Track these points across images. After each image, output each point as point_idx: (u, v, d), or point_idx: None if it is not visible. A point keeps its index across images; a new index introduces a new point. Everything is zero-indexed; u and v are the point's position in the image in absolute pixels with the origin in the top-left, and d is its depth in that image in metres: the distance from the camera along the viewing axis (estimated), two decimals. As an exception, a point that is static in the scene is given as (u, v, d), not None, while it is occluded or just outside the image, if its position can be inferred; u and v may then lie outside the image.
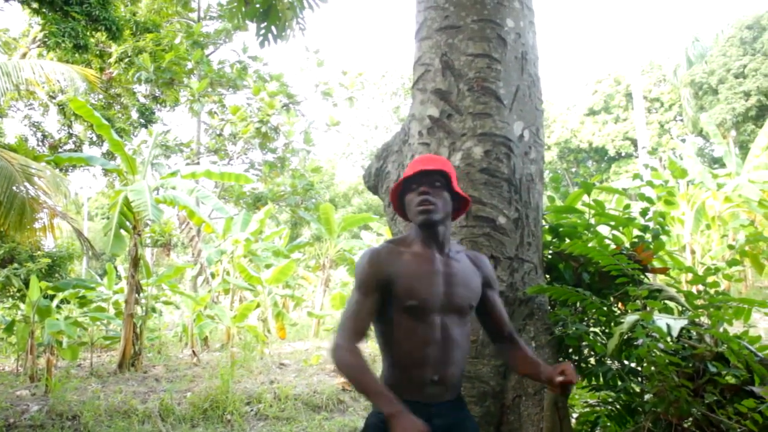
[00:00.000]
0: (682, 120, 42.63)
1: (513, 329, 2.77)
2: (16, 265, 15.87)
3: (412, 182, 2.60)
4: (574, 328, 3.42)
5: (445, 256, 2.61)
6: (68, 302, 14.71)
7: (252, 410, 8.51)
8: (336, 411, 8.70)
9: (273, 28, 6.92)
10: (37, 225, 9.70)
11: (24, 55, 17.64)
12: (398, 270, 2.53)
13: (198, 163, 21.23)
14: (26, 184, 9.01)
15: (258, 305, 15.90)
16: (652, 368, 3.23)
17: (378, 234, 25.04)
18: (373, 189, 4.11)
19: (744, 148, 33.77)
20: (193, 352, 13.18)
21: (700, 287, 3.43)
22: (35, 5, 13.76)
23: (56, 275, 16.71)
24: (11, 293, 16.09)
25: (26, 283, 12.60)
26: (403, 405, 2.24)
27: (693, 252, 16.84)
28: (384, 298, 2.53)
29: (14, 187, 8.64)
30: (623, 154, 44.69)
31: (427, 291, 2.51)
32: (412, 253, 2.58)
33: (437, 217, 2.52)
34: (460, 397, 2.64)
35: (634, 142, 40.59)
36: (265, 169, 21.49)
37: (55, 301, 13.46)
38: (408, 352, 2.52)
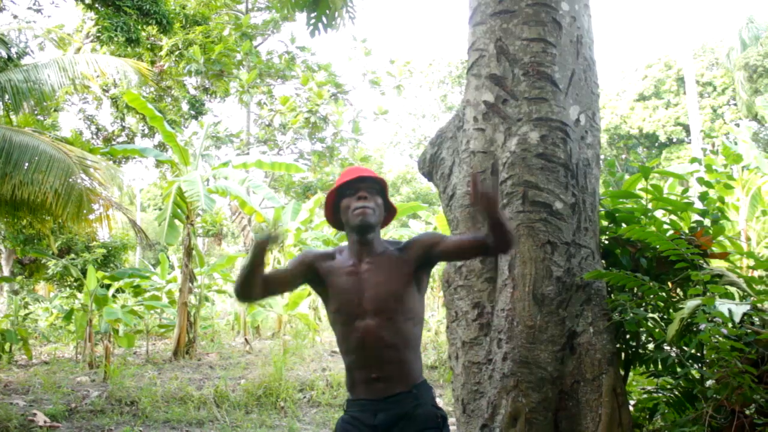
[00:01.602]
0: (735, 104, 41.67)
1: (483, 233, 2.72)
2: (73, 255, 16.26)
3: (348, 188, 2.72)
4: (632, 314, 3.39)
5: (369, 261, 2.70)
6: (123, 291, 15.03)
7: (305, 397, 8.60)
8: (388, 398, 8.72)
9: (323, 17, 6.94)
10: (93, 216, 9.88)
11: (78, 50, 17.97)
12: (330, 272, 2.73)
13: (248, 154, 21.42)
14: (83, 175, 9.19)
15: (309, 293, 16.00)
16: (714, 354, 3.18)
17: (427, 222, 24.99)
18: (428, 175, 4.11)
19: (801, 132, 32.91)
20: (246, 340, 13.35)
21: (762, 272, 3.37)
22: (88, 1, 14.01)
23: (111, 265, 17.09)
24: (69, 283, 16.51)
25: (83, 273, 12.89)
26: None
27: (748, 239, 16.47)
28: (303, 282, 2.82)
29: (71, 179, 8.82)
30: (675, 140, 43.90)
31: (346, 297, 2.67)
32: (340, 261, 2.74)
33: (373, 220, 2.67)
34: (416, 386, 2.67)
35: (686, 128, 39.82)
36: (314, 159, 21.60)
37: (111, 291, 13.75)
38: (346, 354, 2.72)
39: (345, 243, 2.82)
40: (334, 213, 2.81)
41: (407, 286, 2.68)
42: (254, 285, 2.67)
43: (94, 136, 19.91)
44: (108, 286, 13.67)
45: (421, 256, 2.71)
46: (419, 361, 2.74)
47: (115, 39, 13.87)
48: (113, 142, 18.94)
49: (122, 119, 19.74)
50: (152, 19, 14.32)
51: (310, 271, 2.77)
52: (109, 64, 10.93)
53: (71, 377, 9.78)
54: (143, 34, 15.72)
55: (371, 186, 2.71)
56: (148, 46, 18.23)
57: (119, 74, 11.34)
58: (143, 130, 19.61)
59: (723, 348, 3.06)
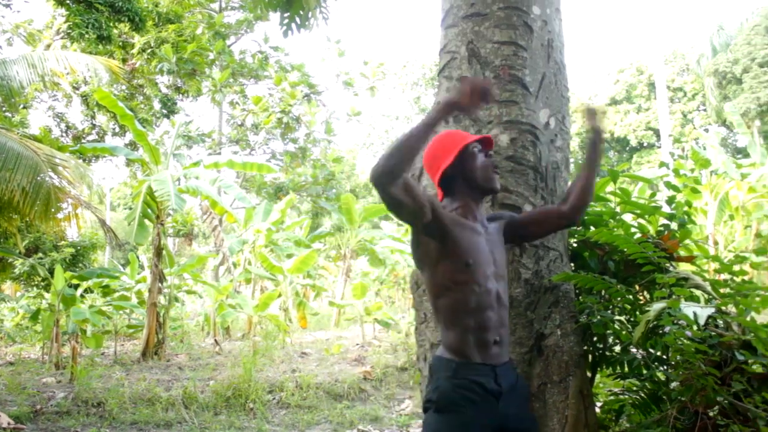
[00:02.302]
0: (705, 110, 42.25)
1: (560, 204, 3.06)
2: (40, 254, 16.05)
3: (477, 146, 2.75)
4: (599, 316, 3.41)
5: (485, 225, 2.76)
6: (92, 291, 14.88)
7: (274, 399, 8.57)
8: (357, 400, 8.75)
9: (296, 17, 6.92)
10: (61, 215, 9.78)
11: (48, 47, 17.75)
12: (454, 225, 2.62)
13: (220, 153, 21.32)
14: (51, 173, 9.09)
15: (279, 295, 15.97)
16: (679, 356, 3.22)
17: (399, 224, 25.03)
18: (398, 177, 4.11)
19: (768, 138, 33.43)
20: (216, 341, 13.28)
21: (726, 276, 3.41)
22: (59, -3, 13.87)
23: (80, 265, 16.87)
24: (36, 282, 16.28)
25: (51, 273, 12.73)
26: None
27: (716, 243, 16.71)
28: (433, 245, 2.61)
29: (39, 177, 8.72)
30: (645, 145, 44.39)
31: (480, 255, 2.64)
32: (459, 216, 2.68)
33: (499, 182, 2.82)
34: (511, 360, 2.78)
35: (657, 132, 40.29)
36: (287, 159, 21.53)
37: (79, 290, 13.61)
38: (468, 315, 2.60)
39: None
40: (454, 164, 2.73)
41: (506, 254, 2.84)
42: (410, 162, 2.34)
43: (64, 134, 19.68)
44: (76, 286, 13.53)
45: (507, 231, 2.87)
46: None
47: (86, 36, 13.74)
48: (83, 141, 18.74)
49: (93, 117, 19.54)
50: (124, 16, 14.22)
51: (434, 214, 2.53)
52: (80, 62, 10.82)
53: (37, 378, 9.66)
54: (115, 31, 15.56)
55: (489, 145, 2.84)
56: (120, 43, 18.05)
57: (90, 72, 11.24)
58: (114, 129, 19.42)
59: (687, 350, 3.10)
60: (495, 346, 2.61)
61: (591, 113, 3.07)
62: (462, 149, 2.72)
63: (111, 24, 14.29)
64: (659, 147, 39.72)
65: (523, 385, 2.76)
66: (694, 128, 41.19)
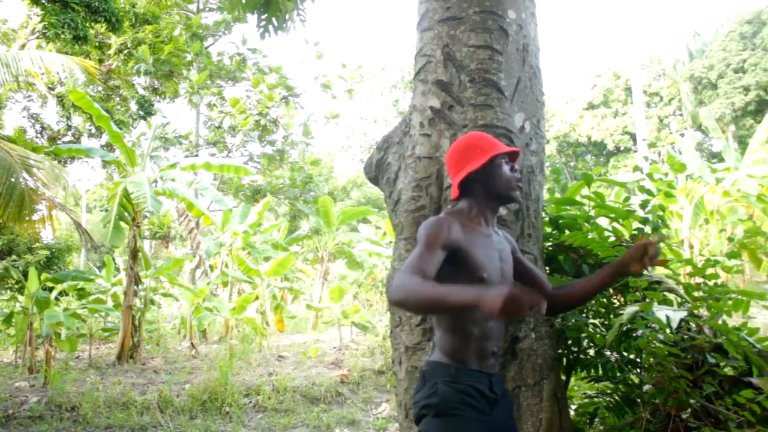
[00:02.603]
0: (681, 114, 42.66)
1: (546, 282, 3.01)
2: (14, 256, 15.88)
3: (504, 157, 2.77)
4: (573, 320, 3.43)
5: (498, 234, 2.80)
6: (67, 294, 14.73)
7: (251, 402, 8.53)
8: (334, 403, 8.72)
9: (273, 19, 6.91)
10: (35, 216, 9.69)
11: (23, 47, 17.60)
12: (465, 241, 2.60)
13: (197, 156, 21.21)
14: (25, 175, 9.01)
15: (257, 297, 15.91)
16: (651, 359, 3.24)
17: (377, 227, 25.05)
18: (374, 180, 4.11)
19: (743, 142, 33.79)
20: (192, 344, 13.20)
21: (699, 279, 3.44)
22: (35, -4, 13.73)
23: (55, 267, 16.72)
24: (10, 285, 16.11)
25: (25, 275, 12.61)
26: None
27: (691, 246, 16.85)
28: (444, 264, 2.53)
29: (13, 179, 8.64)
30: (622, 149, 44.73)
31: (492, 266, 2.65)
32: (475, 228, 2.69)
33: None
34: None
35: (633, 137, 40.65)
36: (264, 162, 21.48)
37: (54, 293, 13.47)
38: (473, 324, 2.61)
39: (458, 206, 2.81)
40: (478, 171, 2.73)
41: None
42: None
43: (39, 135, 19.48)
44: (51, 289, 13.39)
45: (512, 252, 2.88)
46: None
47: (62, 36, 13.61)
48: (59, 142, 18.56)
49: (68, 118, 19.35)
50: (101, 16, 14.09)
51: (449, 246, 2.55)
52: (55, 62, 10.73)
53: (9, 382, 9.55)
54: (91, 31, 15.43)
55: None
56: (96, 44, 17.92)
57: (65, 72, 11.16)
58: (90, 130, 19.26)
59: (660, 353, 3.12)
60: (492, 357, 2.65)
61: (640, 253, 2.81)
62: (490, 159, 2.73)
63: (87, 24, 14.16)
64: (636, 151, 40.08)
65: (510, 396, 2.84)
66: (670, 133, 41.54)
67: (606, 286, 2.91)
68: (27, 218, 9.22)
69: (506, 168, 2.75)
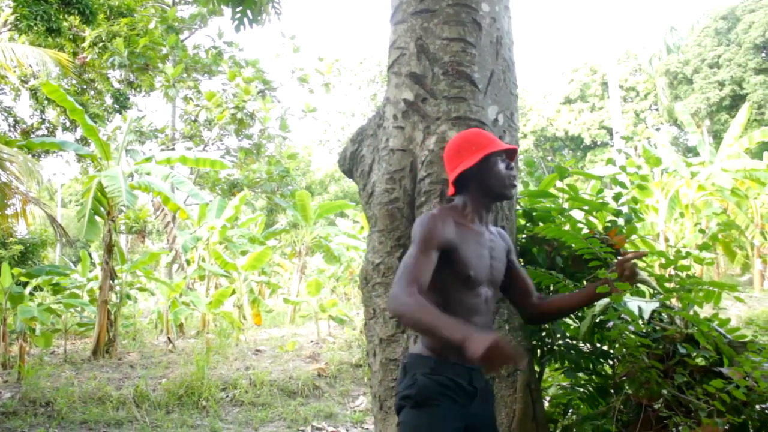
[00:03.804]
0: (657, 109, 42.97)
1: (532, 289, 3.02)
2: (-12, 251, 15.71)
3: (501, 155, 2.79)
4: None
5: (490, 231, 2.82)
6: (41, 289, 14.60)
7: (227, 396, 8.51)
8: (311, 396, 8.72)
9: (248, 11, 6.88)
10: (9, 211, 9.61)
11: (-5, 39, 17.37)
12: (456, 239, 2.64)
13: (173, 149, 21.06)
14: (-2, 169, 8.91)
15: (233, 292, 15.87)
16: (623, 350, 3.27)
17: (354, 221, 25.04)
18: (348, 173, 4.10)
19: (718, 137, 34.08)
20: (168, 338, 13.13)
21: (672, 271, 3.47)
22: (7, -13, 13.58)
23: (29, 262, 16.58)
24: (-17, 280, 15.92)
25: (-2, 270, 12.47)
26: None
27: (666, 240, 17.00)
28: (438, 261, 2.59)
29: (-15, 172, 8.54)
30: (599, 143, 45.02)
31: (480, 263, 2.68)
32: (468, 225, 2.72)
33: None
34: None
35: (610, 131, 40.85)
36: (241, 156, 21.37)
37: (28, 288, 13.34)
38: (461, 318, 2.54)
39: (453, 203, 2.85)
40: (473, 168, 2.75)
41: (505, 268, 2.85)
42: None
43: (12, 129, 19.25)
44: (25, 284, 13.27)
45: (507, 253, 2.90)
46: None
47: (35, 28, 13.45)
48: (32, 136, 18.36)
49: (42, 112, 19.16)
50: (74, 8, 13.96)
51: (443, 246, 2.61)
52: (27, 54, 10.64)
53: (-17, 378, 9.47)
54: (65, 24, 15.28)
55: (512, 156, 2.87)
56: (70, 36, 17.74)
57: (38, 65, 11.03)
58: (64, 124, 19.07)
59: (631, 344, 3.15)
60: None
61: (619, 271, 2.94)
62: (485, 156, 2.75)
63: (61, 16, 14.02)
64: (612, 145, 40.32)
65: (491, 390, 2.82)
66: (647, 127, 41.86)
67: (589, 302, 2.98)
68: (0, 213, 9.12)
69: (501, 165, 2.76)
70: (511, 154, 2.86)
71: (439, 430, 2.56)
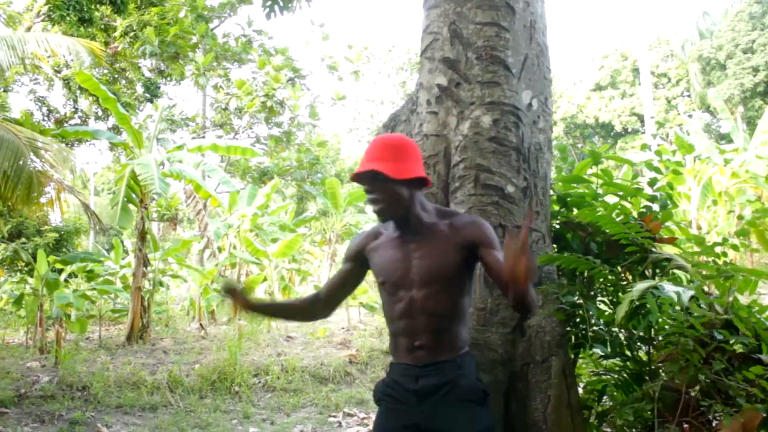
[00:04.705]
0: (689, 96, 42.41)
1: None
2: (23, 239, 15.96)
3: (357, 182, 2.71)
4: (574, 298, 3.43)
5: (417, 233, 2.67)
6: (76, 276, 14.80)
7: (259, 382, 8.58)
8: (343, 383, 8.76)
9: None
10: (44, 199, 9.72)
11: (28, 29, 17.56)
12: (374, 250, 2.77)
13: (203, 137, 21.19)
14: (33, 157, 9.02)
15: (264, 279, 15.96)
16: (664, 335, 3.24)
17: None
18: (381, 159, 4.10)
19: (752, 123, 33.54)
20: (201, 325, 13.26)
21: (708, 258, 3.43)
22: (40, -22, 13.72)
23: (63, 249, 16.81)
24: (19, 267, 16.21)
25: (34, 257, 12.67)
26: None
27: (699, 228, 16.80)
28: (363, 271, 2.92)
29: (21, 161, 8.64)
30: (629, 130, 44.53)
31: (392, 269, 2.68)
32: (387, 235, 2.76)
33: (386, 214, 2.64)
34: (460, 357, 2.67)
35: (641, 118, 40.39)
36: (271, 144, 21.44)
37: (63, 275, 13.54)
38: (390, 322, 2.75)
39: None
40: (416, 181, 2.68)
41: (455, 258, 2.62)
42: (303, 316, 3.19)
43: (45, 118, 19.51)
44: (60, 271, 13.46)
45: (470, 247, 2.63)
46: (465, 331, 2.73)
47: (67, 18, 13.59)
48: (65, 125, 18.57)
49: (75, 101, 19.38)
50: (106, -2, 14.07)
51: (361, 258, 2.85)
52: (61, 44, 10.71)
53: (21, 363, 9.61)
54: (96, 14, 15.41)
55: (370, 178, 2.60)
56: (102, 26, 17.90)
57: (71, 55, 11.12)
58: (96, 113, 19.29)
59: (677, 327, 3.12)
60: (421, 349, 2.62)
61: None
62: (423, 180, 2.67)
63: (92, 6, 14.16)
64: (643, 133, 39.89)
65: (461, 390, 2.61)
66: (678, 114, 41.31)
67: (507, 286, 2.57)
68: (35, 201, 9.25)
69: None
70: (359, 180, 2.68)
71: (379, 429, 2.73)
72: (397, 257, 2.66)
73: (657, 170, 4.11)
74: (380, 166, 2.54)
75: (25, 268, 16.20)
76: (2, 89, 18.29)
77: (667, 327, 3.28)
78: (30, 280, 13.44)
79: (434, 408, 2.59)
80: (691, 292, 3.16)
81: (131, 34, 17.72)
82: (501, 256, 2.54)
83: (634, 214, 3.96)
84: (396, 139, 2.72)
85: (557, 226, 3.92)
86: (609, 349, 3.60)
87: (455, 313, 2.66)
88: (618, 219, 3.59)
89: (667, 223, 3.95)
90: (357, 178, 2.64)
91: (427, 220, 2.68)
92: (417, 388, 2.60)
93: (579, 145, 46.80)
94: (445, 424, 2.59)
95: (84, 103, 19.41)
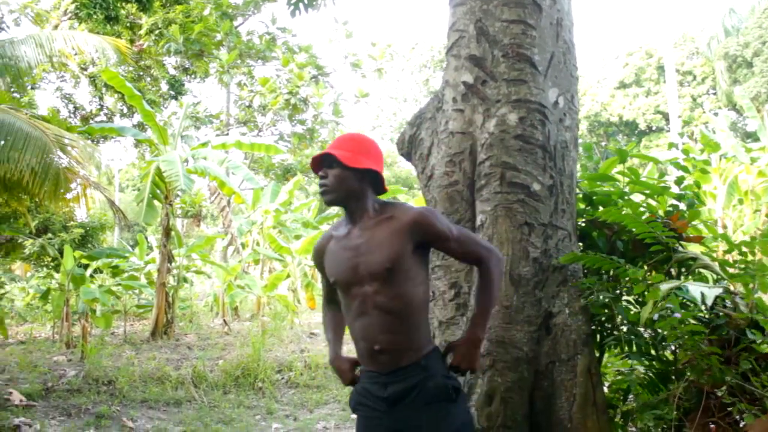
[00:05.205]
0: (715, 93, 41.96)
1: (483, 259, 2.69)
2: (50, 234, 16.11)
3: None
4: (600, 297, 3.41)
5: (362, 227, 2.64)
6: (101, 272, 14.93)
7: (283, 378, 8.62)
8: (365, 379, 8.76)
9: (305, -3, 6.92)
10: (70, 195, 9.79)
11: (55, 27, 17.72)
12: (327, 252, 2.75)
13: (227, 134, 21.30)
14: (60, 153, 9.08)
15: (288, 275, 16.02)
16: (678, 336, 3.22)
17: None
18: (407, 156, 4.11)
19: (779, 122, 33.16)
20: (224, 321, 13.34)
21: (736, 256, 3.41)
22: (66, -23, 13.85)
23: (89, 245, 16.93)
24: (46, 262, 16.36)
25: (60, 253, 12.78)
26: (337, 352, 2.91)
27: (725, 227, 16.63)
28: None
29: (48, 157, 8.72)
30: (654, 128, 44.12)
31: (339, 267, 2.66)
32: (336, 235, 2.73)
33: (329, 197, 2.64)
34: (425, 357, 2.61)
35: (665, 116, 40.04)
36: (294, 141, 21.51)
37: (89, 271, 13.65)
38: (349, 326, 2.72)
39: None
40: (369, 174, 2.70)
41: (402, 248, 2.57)
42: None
43: (72, 115, 19.67)
44: (85, 266, 13.58)
45: (419, 238, 2.61)
46: (426, 326, 2.67)
47: (94, 16, 13.70)
48: (91, 121, 18.73)
49: (101, 98, 19.52)
50: (132, -4, 14.17)
51: (322, 266, 2.83)
52: (87, 42, 10.79)
53: (48, 357, 9.73)
54: (122, 12, 15.53)
55: (329, 161, 2.63)
56: (128, 24, 18.01)
57: (98, 52, 11.21)
58: (122, 110, 19.42)
59: (682, 331, 3.11)
60: (382, 354, 2.57)
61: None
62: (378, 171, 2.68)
63: (119, 4, 14.26)
64: (668, 131, 39.53)
65: (430, 392, 2.57)
66: (704, 112, 40.90)
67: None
68: (62, 197, 9.32)
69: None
70: (316, 165, 2.71)
71: None
72: (346, 255, 2.63)
73: (684, 169, 4.08)
74: (335, 152, 2.60)
75: (52, 264, 16.35)
76: (30, 87, 18.48)
77: (677, 330, 3.24)
78: (56, 275, 13.58)
79: (405, 413, 2.57)
80: (716, 292, 3.14)
81: (156, 31, 17.82)
82: (454, 245, 2.67)
83: (661, 212, 3.94)
84: (358, 135, 2.78)
85: (583, 225, 3.91)
86: (635, 349, 3.58)
87: (410, 306, 2.59)
88: (644, 218, 3.57)
89: (694, 222, 3.93)
90: (313, 163, 2.69)
91: (375, 215, 2.65)
92: (386, 396, 2.58)
93: (603, 144, 46.50)
94: (417, 428, 2.57)
95: (109, 100, 19.55)
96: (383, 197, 2.76)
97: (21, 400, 6.81)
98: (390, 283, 2.56)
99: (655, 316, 3.28)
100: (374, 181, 2.67)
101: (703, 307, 3.28)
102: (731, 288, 3.46)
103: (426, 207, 2.85)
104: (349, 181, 2.60)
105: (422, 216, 2.61)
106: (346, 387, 2.90)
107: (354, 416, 2.84)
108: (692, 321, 3.23)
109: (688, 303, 3.36)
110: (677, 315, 3.17)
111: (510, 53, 3.56)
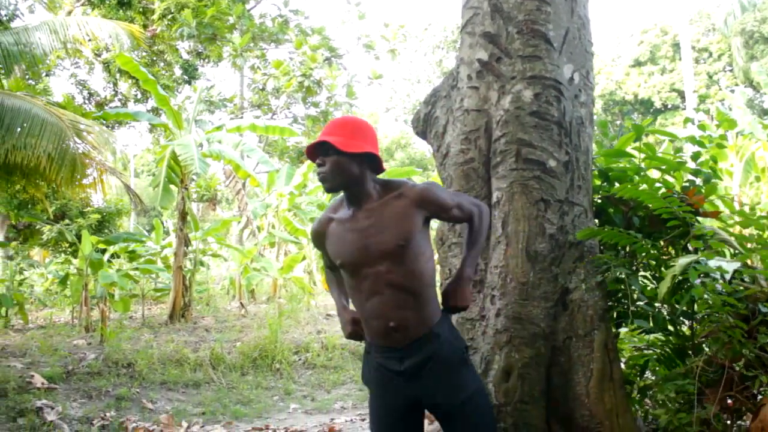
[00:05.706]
0: (731, 70, 41.54)
1: (473, 214, 2.84)
2: (67, 220, 16.25)
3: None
4: (617, 273, 3.40)
5: (369, 208, 2.65)
6: (118, 257, 15.04)
7: (300, 359, 8.68)
8: (382, 360, 8.80)
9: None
10: (86, 181, 9.84)
11: (69, 13, 17.77)
12: (328, 235, 2.75)
13: (242, 118, 21.31)
14: (76, 139, 9.13)
15: (303, 258, 16.08)
16: (706, 309, 3.22)
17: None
18: (422, 134, 4.11)
19: (796, 98, 32.85)
20: (241, 303, 13.43)
21: (753, 231, 3.40)
22: (79, -38, 13.87)
23: (106, 230, 17.08)
24: (64, 248, 16.52)
25: (78, 238, 12.89)
26: (344, 304, 2.91)
27: (741, 204, 16.51)
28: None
29: (65, 144, 8.76)
30: (669, 106, 43.78)
31: (347, 249, 2.65)
32: (337, 217, 2.72)
33: (329, 185, 2.62)
34: (435, 325, 2.66)
35: (681, 94, 39.70)
36: (308, 123, 21.49)
37: (106, 255, 13.75)
38: (359, 306, 2.71)
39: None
40: (368, 158, 2.69)
41: (411, 225, 2.62)
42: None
43: (87, 101, 19.77)
44: (103, 251, 13.68)
45: (431, 212, 2.68)
46: (435, 298, 2.70)
47: (107, 2, 13.72)
48: (106, 107, 18.80)
49: (115, 84, 19.60)
50: (144, -19, 14.19)
51: (321, 246, 2.84)
52: (101, 28, 10.80)
53: (68, 341, 9.82)
54: (135, -3, 15.56)
55: (325, 148, 2.61)
56: (140, 9, 18.04)
57: (111, 38, 11.21)
58: (136, 96, 19.49)
59: (715, 303, 3.10)
60: (395, 331, 2.60)
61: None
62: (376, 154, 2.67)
63: (131, -11, 14.27)
64: (684, 109, 39.22)
65: (444, 358, 2.64)
66: (720, 89, 40.52)
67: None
68: (79, 182, 9.39)
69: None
70: (312, 152, 2.70)
71: (374, 412, 2.82)
72: (353, 237, 2.63)
73: (701, 144, 4.06)
74: (330, 139, 2.57)
75: (69, 249, 16.52)
76: (45, 74, 18.57)
77: (709, 301, 3.24)
78: (74, 260, 13.70)
79: (422, 382, 2.64)
80: (735, 266, 3.14)
81: (169, 16, 17.82)
82: (456, 212, 2.77)
83: (677, 188, 3.92)
84: (351, 118, 2.75)
85: (599, 201, 3.90)
86: (651, 324, 3.58)
87: (421, 281, 2.63)
88: (660, 193, 3.56)
89: (710, 197, 3.91)
90: (308, 151, 2.68)
91: (378, 196, 2.66)
92: (402, 369, 2.62)
93: (617, 122, 46.20)
94: (433, 396, 2.66)
95: (123, 86, 19.62)
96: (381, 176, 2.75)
97: (43, 383, 6.89)
98: (402, 261, 2.59)
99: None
100: (372, 162, 2.66)
101: (721, 281, 3.27)
102: (749, 262, 3.45)
103: (427, 181, 2.84)
104: (348, 166, 2.59)
105: (428, 190, 2.66)
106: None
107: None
108: (713, 294, 3.22)
109: (705, 279, 3.35)
110: (718, 287, 3.17)
111: (524, 29, 3.54)
